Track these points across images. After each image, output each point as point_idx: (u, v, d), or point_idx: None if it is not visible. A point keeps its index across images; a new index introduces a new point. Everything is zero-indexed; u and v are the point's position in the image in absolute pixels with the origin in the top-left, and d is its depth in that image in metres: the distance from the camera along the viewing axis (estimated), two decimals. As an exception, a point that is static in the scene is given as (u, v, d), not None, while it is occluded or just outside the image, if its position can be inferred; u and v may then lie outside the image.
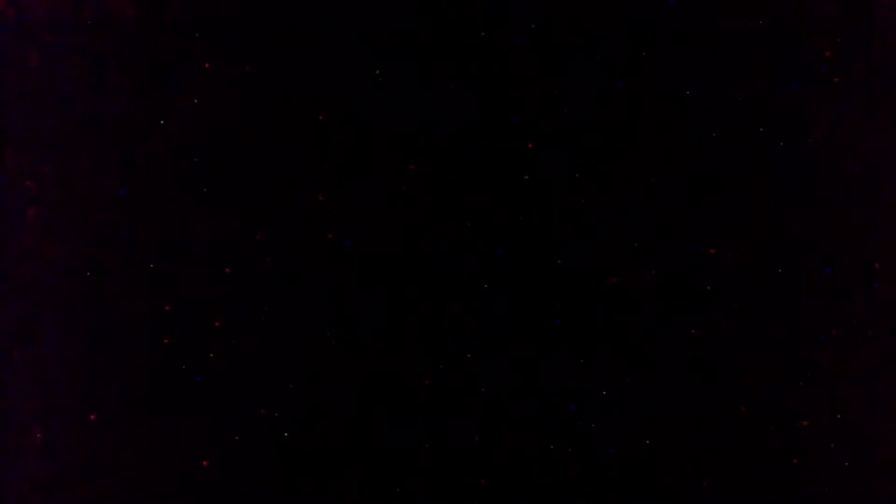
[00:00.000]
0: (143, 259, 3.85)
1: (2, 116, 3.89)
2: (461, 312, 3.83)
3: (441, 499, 3.80)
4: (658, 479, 3.79)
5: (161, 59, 3.89)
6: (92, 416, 3.83)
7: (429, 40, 3.87)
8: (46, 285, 3.85)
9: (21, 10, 3.91)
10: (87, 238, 3.86)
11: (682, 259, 3.83)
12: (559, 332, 3.82)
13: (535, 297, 3.83)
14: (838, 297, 3.81)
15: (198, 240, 3.85)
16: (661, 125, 3.84)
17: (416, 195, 3.85)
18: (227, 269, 3.85)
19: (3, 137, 3.89)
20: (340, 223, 3.86)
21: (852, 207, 3.82)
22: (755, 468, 3.79)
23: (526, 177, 3.85)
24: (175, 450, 3.81)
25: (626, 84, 3.85)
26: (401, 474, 3.80)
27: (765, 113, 3.84)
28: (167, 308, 3.83)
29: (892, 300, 3.81)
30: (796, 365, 3.80)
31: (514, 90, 3.86)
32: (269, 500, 3.81)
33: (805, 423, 3.80)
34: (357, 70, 3.87)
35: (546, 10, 3.87)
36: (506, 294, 3.84)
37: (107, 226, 3.86)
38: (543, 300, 3.83)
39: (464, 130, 3.86)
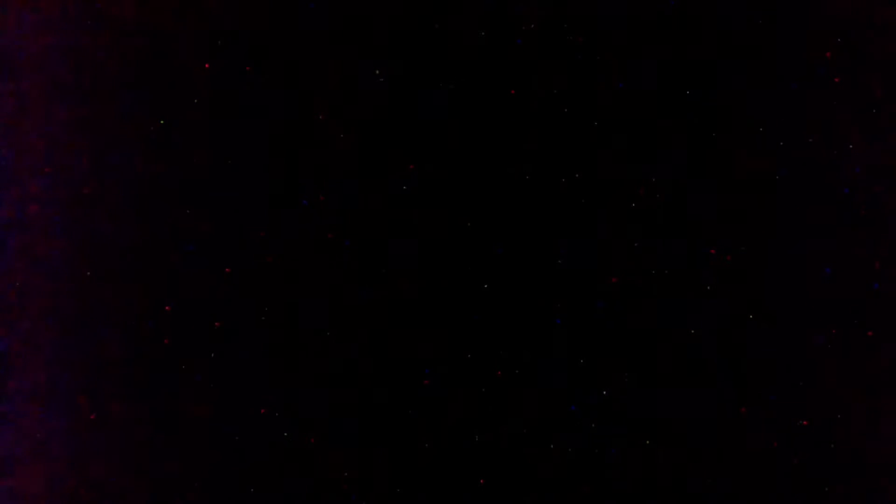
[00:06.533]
0: (143, 259, 3.85)
1: (2, 116, 3.89)
2: (461, 312, 3.83)
3: (441, 499, 3.80)
4: (658, 479, 3.79)
5: (161, 59, 3.89)
6: (92, 416, 3.83)
7: (429, 40, 3.87)
8: (46, 285, 3.85)
9: (21, 10, 3.91)
10: (87, 238, 3.86)
11: (682, 259, 3.83)
12: (559, 332, 3.82)
13: (535, 297, 3.83)
14: (838, 297, 3.81)
15: (198, 240, 3.85)
16: (662, 125, 3.84)
17: (416, 195, 3.85)
18: (227, 269, 3.85)
19: (4, 137, 3.89)
20: (340, 223, 3.86)
21: (852, 207, 3.82)
22: (755, 468, 3.79)
23: (526, 177, 3.85)
24: (175, 450, 3.82)
25: (627, 84, 3.85)
26: (401, 474, 3.80)
27: (765, 113, 3.84)
28: (167, 308, 3.84)
29: (892, 300, 3.81)
30: (796, 365, 3.80)
31: (514, 90, 3.86)
32: (269, 500, 3.81)
33: (805, 423, 3.80)
34: (357, 70, 3.87)
35: (546, 10, 3.87)
36: (506, 294, 3.84)
37: (107, 226, 3.86)
38: (543, 300, 3.83)
39: (464, 130, 3.86)
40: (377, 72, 3.87)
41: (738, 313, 3.81)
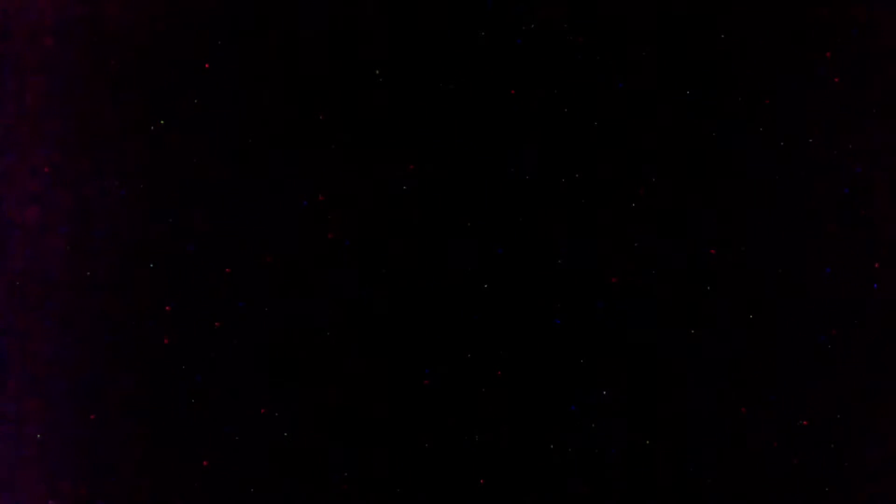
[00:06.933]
0: (143, 259, 3.85)
1: (2, 116, 3.89)
2: (461, 312, 3.83)
3: (441, 499, 3.80)
4: (658, 479, 3.79)
5: (161, 59, 3.89)
6: (92, 416, 3.83)
7: (429, 40, 3.87)
8: (46, 285, 3.85)
9: (21, 10, 3.91)
10: (87, 238, 3.86)
11: (682, 259, 3.83)
12: (559, 332, 3.82)
13: (535, 297, 3.83)
14: (838, 297, 3.81)
15: (198, 240, 3.85)
16: (661, 125, 3.84)
17: (416, 195, 3.85)
18: (227, 269, 3.85)
19: (4, 137, 3.89)
20: (340, 223, 3.86)
21: (852, 207, 3.82)
22: (755, 468, 3.79)
23: (526, 177, 3.85)
24: (175, 450, 3.82)
25: (626, 84, 3.85)
26: (401, 474, 3.80)
27: (765, 113, 3.84)
28: (167, 308, 3.84)
29: (892, 300, 3.81)
30: (796, 365, 3.80)
31: (514, 90, 3.86)
32: (269, 500, 3.81)
33: (805, 423, 3.80)
34: (357, 70, 3.87)
35: (546, 10, 3.87)
36: (506, 294, 3.84)
37: (107, 226, 3.86)
38: (543, 300, 3.83)
39: (464, 130, 3.86)
40: (377, 72, 3.87)
41: (738, 313, 3.81)
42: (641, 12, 3.85)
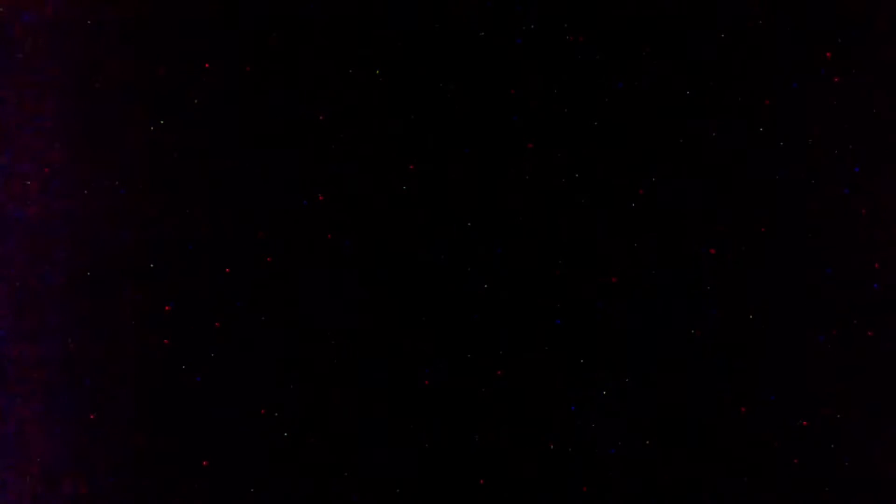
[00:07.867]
0: (143, 259, 3.85)
1: (2, 116, 3.89)
2: (461, 312, 3.83)
3: (441, 499, 3.80)
4: (658, 479, 3.79)
5: (161, 59, 3.89)
6: (92, 416, 3.83)
7: (429, 40, 3.87)
8: (46, 285, 3.85)
9: (20, 10, 3.91)
10: (87, 238, 3.86)
11: (682, 259, 3.83)
12: (559, 332, 3.82)
13: (535, 297, 3.83)
14: (838, 297, 3.81)
15: (198, 240, 3.85)
16: (661, 125, 3.84)
17: (416, 195, 3.85)
18: (227, 269, 3.85)
19: (4, 137, 3.89)
20: (340, 223, 3.86)
21: (852, 207, 3.82)
22: (755, 468, 3.79)
23: (526, 177, 3.85)
24: (175, 450, 3.82)
25: (626, 84, 3.85)
26: (401, 474, 3.80)
27: (765, 113, 3.84)
28: (167, 308, 3.84)
29: (892, 300, 3.81)
30: (796, 365, 3.80)
31: (514, 90, 3.86)
32: (269, 500, 3.81)
33: (805, 423, 3.80)
34: (357, 70, 3.87)
35: (546, 10, 3.87)
36: (506, 294, 3.83)
37: (107, 226, 3.86)
38: (543, 300, 3.83)
39: (464, 130, 3.86)
40: (377, 72, 3.86)
41: (738, 313, 3.81)
42: (641, 12, 3.85)
